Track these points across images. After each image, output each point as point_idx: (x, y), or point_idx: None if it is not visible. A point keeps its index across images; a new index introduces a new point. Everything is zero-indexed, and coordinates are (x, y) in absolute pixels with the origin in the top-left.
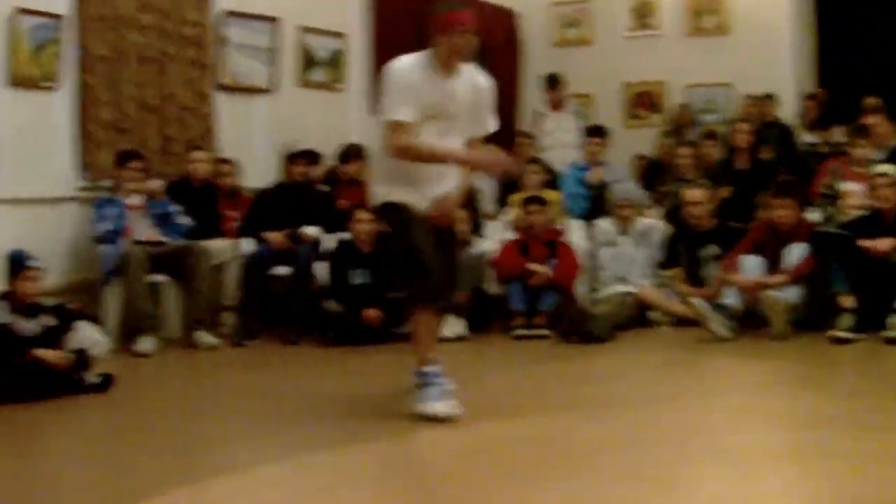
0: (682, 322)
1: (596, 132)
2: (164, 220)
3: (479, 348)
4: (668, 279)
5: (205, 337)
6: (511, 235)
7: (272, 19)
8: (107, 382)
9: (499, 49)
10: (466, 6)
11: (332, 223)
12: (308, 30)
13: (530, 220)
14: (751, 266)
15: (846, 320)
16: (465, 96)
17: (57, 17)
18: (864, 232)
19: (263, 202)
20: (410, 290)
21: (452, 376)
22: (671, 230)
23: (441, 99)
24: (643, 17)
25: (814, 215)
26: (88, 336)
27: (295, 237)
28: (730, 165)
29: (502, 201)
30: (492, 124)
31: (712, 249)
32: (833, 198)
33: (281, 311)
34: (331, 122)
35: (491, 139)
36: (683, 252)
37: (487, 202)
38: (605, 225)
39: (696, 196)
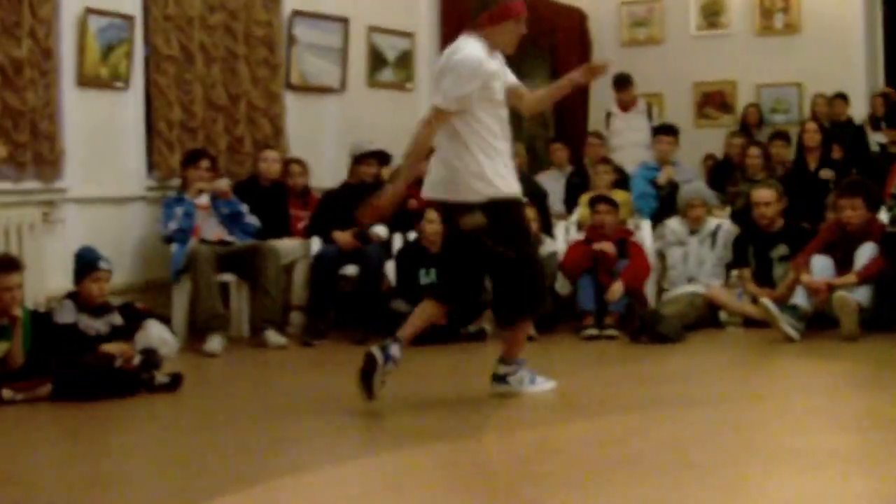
0: (751, 323)
1: (666, 131)
2: (232, 220)
3: (547, 349)
4: (736, 279)
5: (273, 337)
6: (579, 236)
7: (341, 19)
8: (176, 382)
9: (568, 49)
10: None
11: (401, 223)
12: (377, 29)
13: (598, 220)
14: (820, 267)
15: None
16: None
17: (126, 17)
18: None
19: (331, 202)
20: (521, 298)
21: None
22: (740, 230)
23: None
24: (712, 15)
25: (885, 216)
26: (157, 335)
27: (363, 237)
28: (800, 165)
29: (571, 201)
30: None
31: (782, 249)
32: None
33: (349, 311)
34: (400, 122)
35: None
36: (753, 252)
37: (556, 202)
38: (674, 225)
39: (766, 196)
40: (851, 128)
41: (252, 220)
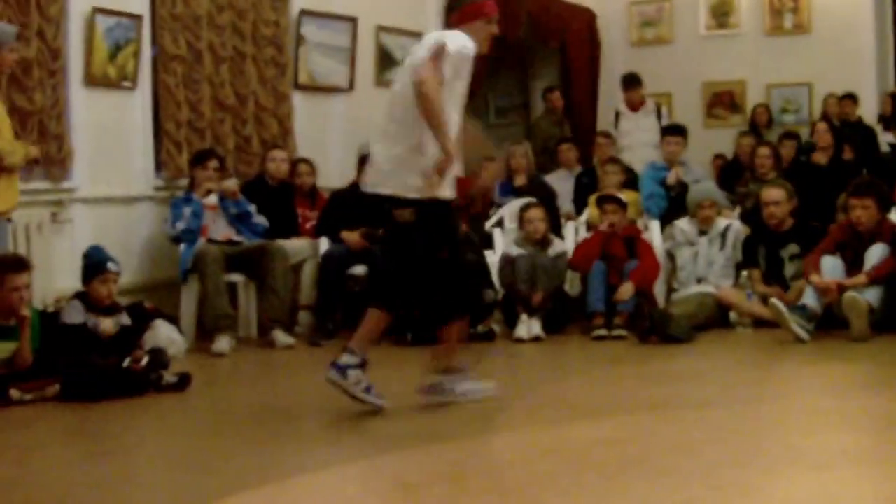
0: (761, 323)
1: (673, 131)
2: (241, 220)
3: (556, 349)
4: (746, 280)
5: (281, 337)
6: (588, 236)
7: (350, 19)
8: (184, 382)
9: (578, 49)
10: None
11: None
12: (385, 29)
13: (606, 220)
14: (830, 267)
15: None
16: None
17: (134, 16)
18: None
19: (339, 202)
20: (450, 299)
21: (530, 378)
22: (750, 231)
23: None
24: (722, 15)
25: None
26: (166, 335)
27: (372, 237)
28: (809, 165)
29: (580, 202)
30: None
31: (793, 248)
32: None
33: (357, 311)
34: None
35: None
36: (764, 253)
37: (565, 202)
38: (683, 225)
39: (775, 196)
40: (861, 128)
41: (260, 219)
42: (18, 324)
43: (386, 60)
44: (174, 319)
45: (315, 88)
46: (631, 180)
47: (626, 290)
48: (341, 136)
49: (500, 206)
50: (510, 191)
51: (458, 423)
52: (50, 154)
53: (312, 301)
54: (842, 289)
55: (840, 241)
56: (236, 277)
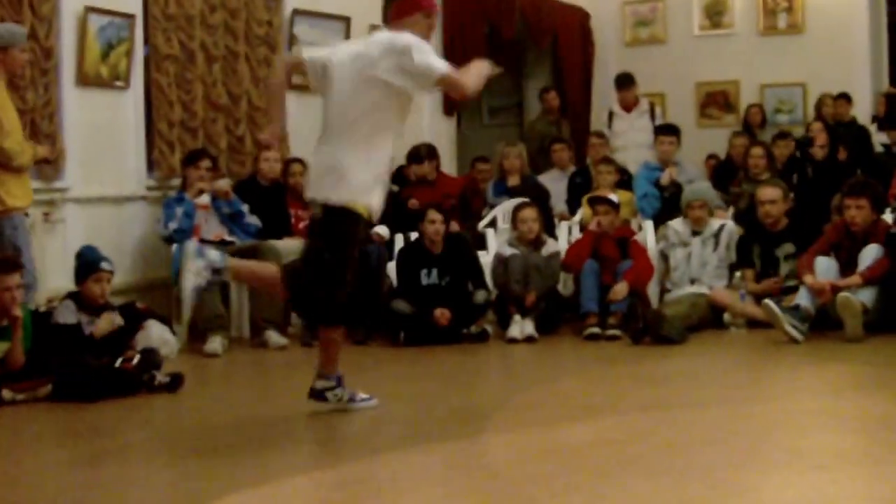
0: (755, 324)
1: (667, 131)
2: (233, 220)
3: (549, 349)
4: (739, 280)
5: (274, 337)
6: (581, 236)
7: (342, 18)
8: (176, 382)
9: (571, 48)
10: None
11: (402, 223)
12: (378, 29)
13: (599, 221)
14: (824, 268)
15: None
16: None
17: (126, 15)
18: None
19: None
20: (321, 303)
21: (523, 378)
22: (744, 231)
23: None
24: (715, 15)
25: (890, 217)
26: (158, 335)
27: (365, 237)
28: (808, 158)
29: (574, 202)
30: None
31: (787, 248)
32: None
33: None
34: None
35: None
36: (758, 252)
37: (558, 203)
38: (677, 226)
39: (771, 195)
40: (855, 128)
41: (252, 219)
42: (10, 324)
43: None
44: (166, 319)
45: (308, 88)
46: (625, 180)
47: (620, 290)
48: None
49: (493, 206)
50: (503, 191)
51: (452, 424)
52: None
53: None
54: (836, 289)
55: (834, 241)
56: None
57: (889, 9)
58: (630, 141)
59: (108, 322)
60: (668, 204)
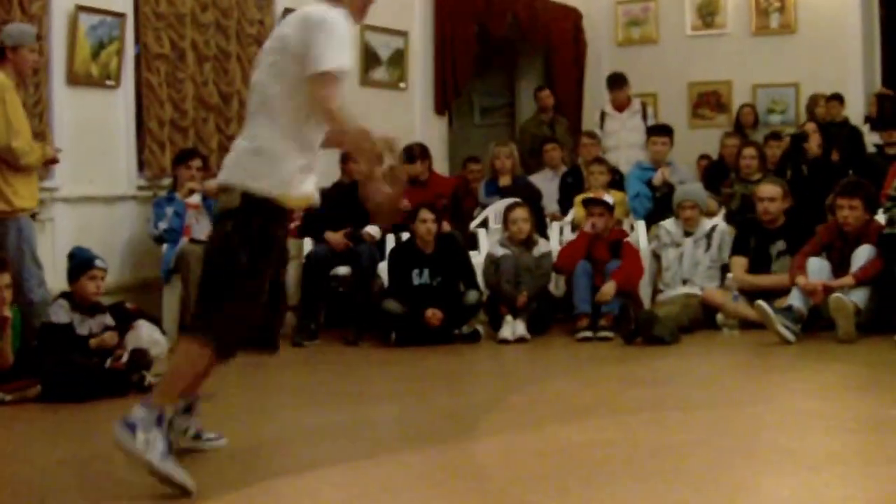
0: (747, 325)
1: (659, 131)
2: None
3: (540, 351)
4: (732, 269)
5: None
6: (573, 237)
7: None
8: None
9: (563, 48)
10: None
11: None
12: (370, 28)
13: (593, 223)
14: (816, 268)
15: None
16: None
17: (117, 14)
18: None
19: (323, 202)
20: (214, 323)
21: (515, 379)
22: (742, 226)
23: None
24: (708, 15)
25: (882, 217)
26: (148, 336)
27: (356, 237)
28: (799, 161)
29: (566, 202)
30: None
31: (780, 245)
32: None
33: (341, 312)
34: (394, 121)
35: None
36: (752, 248)
37: (550, 203)
38: (669, 226)
39: (770, 192)
40: (847, 129)
41: None
42: None
43: (371, 59)
44: (156, 319)
45: None
46: (616, 181)
47: (608, 290)
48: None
49: (484, 206)
50: (495, 191)
51: (442, 426)
52: None
53: (296, 301)
54: (828, 290)
55: (826, 242)
56: None
57: (881, 9)
58: (622, 141)
59: (111, 338)
60: (661, 204)
